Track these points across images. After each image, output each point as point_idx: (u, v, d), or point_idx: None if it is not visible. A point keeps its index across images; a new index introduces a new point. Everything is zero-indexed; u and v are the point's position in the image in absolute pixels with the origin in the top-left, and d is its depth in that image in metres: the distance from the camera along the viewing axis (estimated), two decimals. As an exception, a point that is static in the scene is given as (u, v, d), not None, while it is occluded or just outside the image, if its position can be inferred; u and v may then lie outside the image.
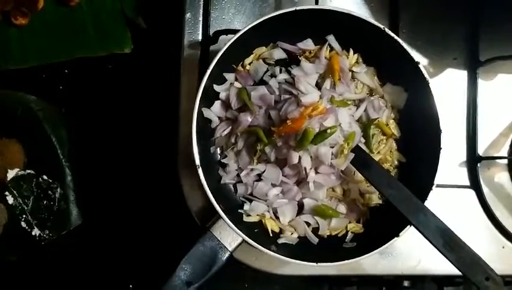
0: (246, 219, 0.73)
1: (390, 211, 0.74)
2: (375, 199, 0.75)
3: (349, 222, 0.75)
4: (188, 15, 0.80)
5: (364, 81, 0.76)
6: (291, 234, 0.74)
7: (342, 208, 0.74)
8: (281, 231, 0.74)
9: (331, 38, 0.76)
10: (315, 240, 0.73)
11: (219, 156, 0.76)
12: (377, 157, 0.75)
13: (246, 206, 0.74)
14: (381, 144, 0.76)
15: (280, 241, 0.72)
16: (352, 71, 0.76)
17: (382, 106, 0.76)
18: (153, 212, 0.85)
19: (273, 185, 0.73)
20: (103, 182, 0.86)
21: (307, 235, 0.73)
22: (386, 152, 0.76)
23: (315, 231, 0.74)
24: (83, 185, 0.85)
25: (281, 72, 0.76)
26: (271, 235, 0.73)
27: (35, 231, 0.83)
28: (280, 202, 0.73)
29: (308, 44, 0.76)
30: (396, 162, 0.76)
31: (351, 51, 0.77)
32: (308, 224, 0.73)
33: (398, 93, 0.76)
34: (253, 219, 0.74)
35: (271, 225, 0.73)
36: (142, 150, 0.87)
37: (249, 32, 0.70)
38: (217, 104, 0.75)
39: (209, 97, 0.74)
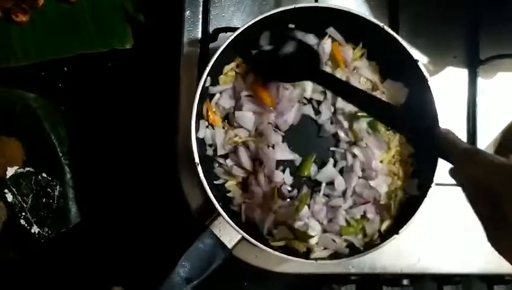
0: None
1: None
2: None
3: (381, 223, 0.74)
4: (187, 12, 0.80)
5: (366, 75, 0.76)
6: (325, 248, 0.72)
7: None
8: (309, 250, 0.71)
9: (331, 31, 0.75)
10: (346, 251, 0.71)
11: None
12: (392, 151, 0.75)
13: None
14: (392, 138, 0.75)
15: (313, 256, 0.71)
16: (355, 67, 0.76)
17: None
18: (152, 209, 0.85)
19: None
20: (102, 179, 0.86)
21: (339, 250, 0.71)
22: (397, 144, 0.75)
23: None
24: (82, 182, 0.85)
25: None
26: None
27: (35, 229, 0.83)
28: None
29: (311, 38, 0.76)
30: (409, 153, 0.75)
31: (360, 44, 0.76)
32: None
33: (399, 89, 0.76)
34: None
35: (299, 246, 0.71)
36: (141, 148, 0.87)
37: (248, 30, 0.70)
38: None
39: (209, 94, 0.74)
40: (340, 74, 0.74)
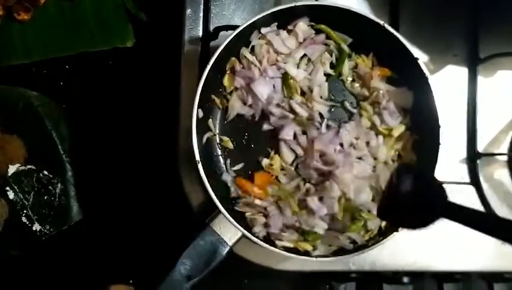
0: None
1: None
2: None
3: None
4: (188, 11, 0.80)
5: (377, 85, 0.76)
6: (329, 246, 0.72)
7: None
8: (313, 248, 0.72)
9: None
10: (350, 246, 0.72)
11: (219, 151, 0.76)
12: (391, 152, 0.75)
13: None
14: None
15: (315, 253, 0.71)
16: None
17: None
18: (153, 207, 0.85)
19: None
20: (103, 177, 0.87)
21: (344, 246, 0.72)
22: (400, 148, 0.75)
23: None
24: (83, 180, 0.86)
25: None
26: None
27: (36, 226, 0.84)
28: None
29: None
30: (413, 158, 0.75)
31: (371, 55, 0.77)
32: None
33: (404, 93, 0.75)
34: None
35: (304, 247, 0.72)
36: (142, 146, 0.87)
37: (249, 28, 0.70)
38: None
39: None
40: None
